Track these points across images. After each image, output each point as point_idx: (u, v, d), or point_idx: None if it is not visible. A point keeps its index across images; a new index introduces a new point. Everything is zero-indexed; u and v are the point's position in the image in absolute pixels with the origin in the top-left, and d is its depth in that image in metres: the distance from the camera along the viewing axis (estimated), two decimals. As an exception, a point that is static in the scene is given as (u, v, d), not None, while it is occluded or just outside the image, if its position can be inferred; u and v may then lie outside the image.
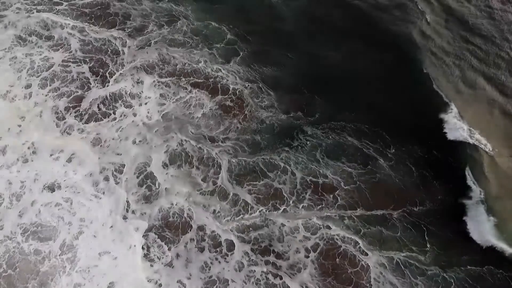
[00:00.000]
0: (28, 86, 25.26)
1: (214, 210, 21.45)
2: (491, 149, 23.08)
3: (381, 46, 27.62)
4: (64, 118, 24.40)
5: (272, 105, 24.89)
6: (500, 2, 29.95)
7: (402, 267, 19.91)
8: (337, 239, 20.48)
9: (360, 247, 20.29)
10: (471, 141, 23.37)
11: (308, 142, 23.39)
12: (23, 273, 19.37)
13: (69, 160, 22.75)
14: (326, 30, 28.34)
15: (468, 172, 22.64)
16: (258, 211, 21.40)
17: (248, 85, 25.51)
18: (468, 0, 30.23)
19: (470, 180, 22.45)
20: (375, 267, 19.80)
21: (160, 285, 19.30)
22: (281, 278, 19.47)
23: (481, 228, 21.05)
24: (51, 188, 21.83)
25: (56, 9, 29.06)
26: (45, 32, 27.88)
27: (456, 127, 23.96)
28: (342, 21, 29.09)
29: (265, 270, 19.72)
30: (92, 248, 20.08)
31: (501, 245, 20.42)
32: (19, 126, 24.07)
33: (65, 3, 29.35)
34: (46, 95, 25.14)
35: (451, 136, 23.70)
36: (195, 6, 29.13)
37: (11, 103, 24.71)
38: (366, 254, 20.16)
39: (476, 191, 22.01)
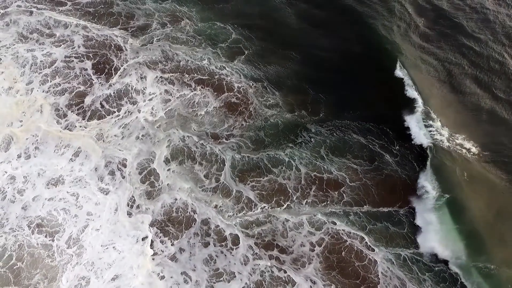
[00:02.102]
0: (30, 82, 26.12)
1: (217, 206, 22.00)
2: (475, 153, 23.39)
3: (373, 48, 28.63)
4: (65, 115, 25.13)
5: (277, 104, 25.79)
6: (496, 4, 31.01)
7: (410, 263, 20.41)
8: (342, 234, 21.04)
9: (366, 243, 20.84)
10: (446, 144, 23.54)
11: (312, 139, 24.21)
12: (29, 266, 19.90)
13: (74, 156, 23.48)
14: (327, 30, 29.55)
15: (428, 177, 22.69)
16: (260, 208, 21.96)
17: (253, 84, 26.47)
18: (463, 1, 31.37)
19: (426, 186, 22.40)
20: (382, 262, 20.31)
21: (163, 277, 19.73)
22: (285, 272, 19.93)
23: (429, 236, 21.07)
24: (56, 183, 22.48)
25: (59, 9, 30.18)
26: (47, 30, 28.88)
27: (426, 131, 23.97)
28: (338, 21, 30.21)
29: (269, 264, 20.18)
30: (98, 241, 20.67)
31: (447, 255, 20.47)
32: (21, 121, 24.78)
33: (69, 3, 30.52)
34: (47, 91, 25.93)
35: (417, 140, 23.92)
36: (200, 7, 30.42)
37: (14, 98, 25.47)
38: (373, 250, 20.68)
39: (431, 198, 21.98)
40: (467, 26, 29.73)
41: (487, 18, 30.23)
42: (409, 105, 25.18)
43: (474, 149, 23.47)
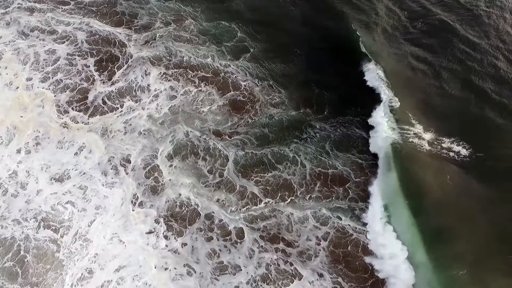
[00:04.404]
0: (32, 77, 26.65)
1: (220, 201, 22.44)
2: (466, 155, 23.36)
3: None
4: (67, 111, 25.60)
5: (283, 102, 26.53)
6: (491, 6, 31.77)
7: (417, 259, 20.81)
8: (348, 228, 21.50)
9: (372, 238, 21.31)
10: (427, 148, 23.42)
11: (317, 134, 24.91)
12: (35, 260, 20.29)
13: (78, 150, 24.00)
14: (324, 31, 30.51)
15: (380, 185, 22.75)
16: (264, 203, 22.41)
17: (259, 83, 27.27)
18: (458, 2, 32.31)
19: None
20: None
21: (167, 268, 20.09)
22: (291, 264, 20.30)
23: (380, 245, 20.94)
24: (60, 178, 22.93)
25: (62, 7, 30.95)
26: (48, 28, 29.53)
27: (398, 136, 23.79)
28: (329, 21, 31.23)
29: (275, 257, 20.56)
30: (103, 235, 21.11)
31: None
32: (22, 116, 25.20)
33: (72, 2, 31.31)
34: (49, 87, 26.44)
35: (372, 147, 24.17)
36: (205, 6, 31.42)
37: (16, 93, 25.96)
38: (379, 245, 21.13)
39: (377, 206, 22.10)
40: (461, 28, 30.41)
41: (482, 21, 31.04)
42: (381, 110, 25.28)
43: (464, 152, 23.56)
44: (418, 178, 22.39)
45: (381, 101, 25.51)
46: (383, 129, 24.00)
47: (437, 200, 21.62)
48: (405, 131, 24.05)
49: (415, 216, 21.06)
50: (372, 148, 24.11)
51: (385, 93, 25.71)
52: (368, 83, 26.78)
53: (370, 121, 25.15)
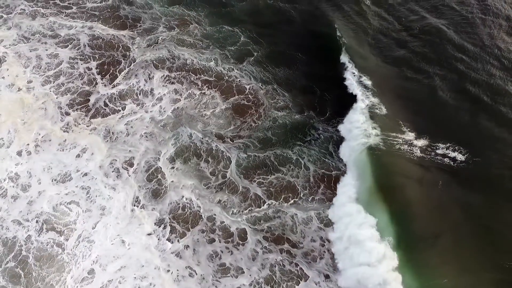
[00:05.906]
0: (34, 80, 26.75)
1: (222, 202, 22.41)
2: (463, 161, 23.06)
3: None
4: (69, 114, 25.63)
5: (287, 106, 26.75)
6: (487, 13, 31.79)
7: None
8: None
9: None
10: (418, 155, 23.09)
11: (320, 136, 25.12)
12: (37, 261, 20.22)
13: (81, 152, 24.05)
14: (319, 33, 30.84)
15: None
16: (267, 204, 22.38)
17: (264, 86, 27.53)
18: (454, 8, 32.46)
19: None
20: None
21: (169, 270, 20.00)
22: (296, 265, 20.14)
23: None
24: (62, 180, 22.93)
25: (65, 12, 31.16)
26: (50, 32, 29.71)
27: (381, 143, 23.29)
28: (323, 26, 31.39)
29: (280, 258, 20.40)
30: (105, 238, 21.09)
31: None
32: (23, 120, 25.22)
33: (74, 7, 31.56)
34: (50, 90, 26.54)
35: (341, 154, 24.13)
36: (208, 10, 31.79)
37: (18, 95, 26.04)
38: (384, 246, 20.99)
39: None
40: (456, 35, 30.38)
41: (477, 27, 31.04)
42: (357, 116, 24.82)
43: (461, 157, 23.22)
44: (401, 184, 21.98)
45: (357, 108, 24.94)
46: (353, 137, 23.69)
47: (425, 207, 21.33)
48: (391, 138, 23.54)
49: (397, 222, 20.57)
50: (342, 155, 23.94)
51: (363, 100, 25.21)
52: (348, 89, 26.45)
53: (341, 127, 24.95)
